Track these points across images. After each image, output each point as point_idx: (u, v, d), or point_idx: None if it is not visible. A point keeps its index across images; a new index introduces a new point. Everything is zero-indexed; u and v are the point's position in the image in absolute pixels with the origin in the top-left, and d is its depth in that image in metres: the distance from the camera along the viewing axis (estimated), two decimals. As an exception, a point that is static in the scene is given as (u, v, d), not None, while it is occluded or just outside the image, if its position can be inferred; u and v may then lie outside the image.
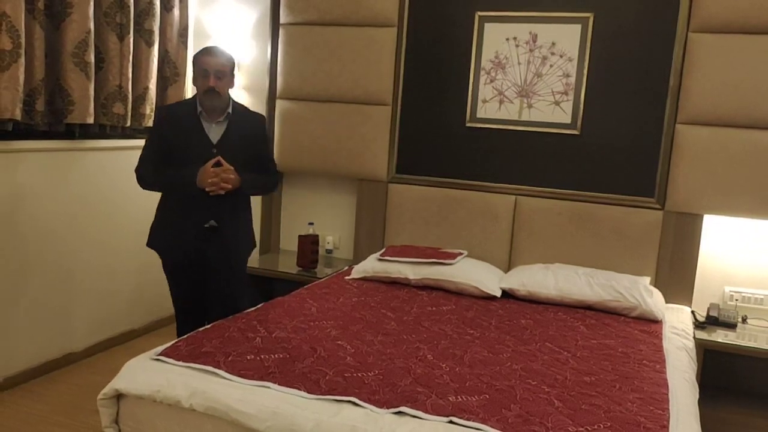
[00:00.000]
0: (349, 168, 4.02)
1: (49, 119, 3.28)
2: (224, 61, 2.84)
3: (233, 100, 2.96)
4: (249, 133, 2.97)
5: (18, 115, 2.98)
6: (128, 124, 3.66)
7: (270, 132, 4.16)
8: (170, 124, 2.87)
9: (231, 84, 2.92)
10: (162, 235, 2.96)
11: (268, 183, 3.15)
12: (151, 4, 3.73)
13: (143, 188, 2.93)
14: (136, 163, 3.78)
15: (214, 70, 2.79)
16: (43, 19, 3.14)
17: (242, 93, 4.28)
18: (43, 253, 3.35)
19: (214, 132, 2.89)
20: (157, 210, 3.00)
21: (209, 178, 2.75)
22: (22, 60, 2.97)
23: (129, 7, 3.55)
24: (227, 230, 2.93)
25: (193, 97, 2.94)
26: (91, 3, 3.31)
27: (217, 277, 2.97)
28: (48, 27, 3.20)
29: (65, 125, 3.36)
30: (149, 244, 3.00)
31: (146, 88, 3.77)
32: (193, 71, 2.87)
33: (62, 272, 3.48)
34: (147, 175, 2.88)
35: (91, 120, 3.37)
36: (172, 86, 4.01)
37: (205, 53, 2.84)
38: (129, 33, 3.57)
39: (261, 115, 3.10)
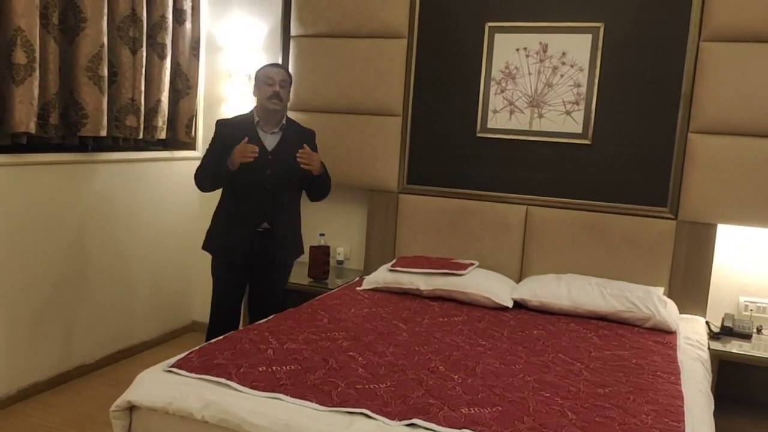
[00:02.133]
0: (360, 179, 4.02)
1: (62, 132, 3.31)
2: (285, 74, 3.19)
3: (287, 116, 3.25)
4: (301, 145, 3.13)
5: (32, 128, 3.02)
6: (141, 136, 3.69)
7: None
8: (231, 135, 3.07)
9: (289, 97, 3.23)
10: (218, 238, 3.19)
11: (329, 183, 3.37)
12: (164, 17, 3.77)
13: (201, 190, 3.22)
14: (148, 175, 3.84)
15: (279, 79, 3.12)
16: (58, 33, 3.17)
17: (253, 104, 4.29)
18: (55, 265, 3.38)
19: (270, 141, 3.15)
20: (213, 216, 3.24)
21: (238, 153, 2.94)
22: (37, 74, 3.01)
23: (142, 21, 3.59)
24: (278, 234, 3.16)
25: (251, 111, 3.21)
26: (105, 17, 3.35)
27: (262, 277, 3.24)
28: (62, 41, 3.23)
29: (78, 138, 3.39)
30: (204, 247, 3.24)
31: (158, 101, 3.80)
32: (256, 83, 3.16)
33: (74, 284, 3.50)
34: (200, 176, 3.15)
35: (104, 133, 3.40)
36: (184, 99, 4.04)
37: (270, 66, 3.20)
38: (142, 46, 3.61)
39: (312, 131, 3.36)
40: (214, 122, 3.26)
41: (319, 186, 3.28)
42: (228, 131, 3.14)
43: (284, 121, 3.21)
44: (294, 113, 4.13)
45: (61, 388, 3.42)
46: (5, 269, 3.11)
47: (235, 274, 3.22)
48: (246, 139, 2.97)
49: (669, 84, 3.44)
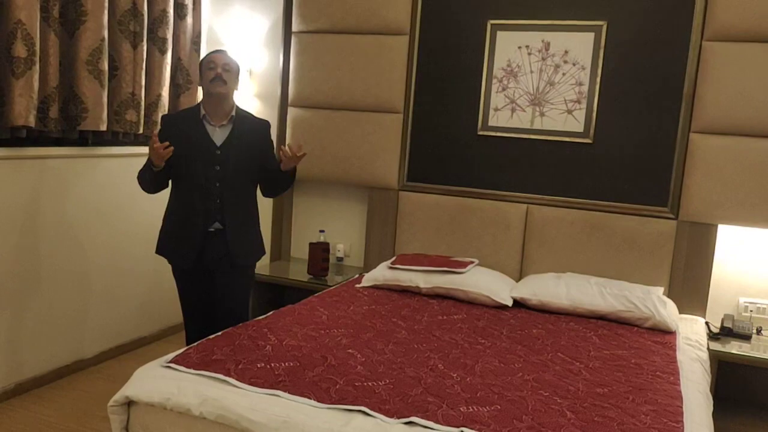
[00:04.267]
0: (360, 176, 4.02)
1: (62, 126, 3.30)
2: (230, 60, 2.92)
3: (237, 106, 2.97)
4: (254, 138, 2.96)
5: (32, 121, 3.01)
6: (141, 131, 3.68)
7: (281, 139, 4.17)
8: (175, 130, 2.86)
9: (236, 84, 2.96)
10: (169, 242, 2.97)
11: (291, 182, 3.08)
12: (165, 12, 3.76)
13: (143, 190, 2.95)
14: None
15: (222, 63, 2.86)
16: (58, 27, 3.16)
17: (254, 100, 4.29)
18: (55, 259, 3.37)
19: (218, 135, 2.89)
20: (164, 217, 3.01)
21: (152, 155, 2.71)
22: (37, 67, 2.99)
23: (143, 15, 3.58)
24: (232, 235, 2.91)
25: (198, 103, 2.97)
26: (106, 11, 3.33)
27: (222, 283, 2.96)
28: (62, 35, 3.22)
29: (78, 132, 3.38)
30: (158, 251, 3.02)
31: (159, 96, 3.79)
32: (200, 72, 2.93)
33: (74, 279, 3.49)
34: (139, 177, 2.92)
35: (104, 127, 3.39)
36: (184, 93, 4.03)
37: (212, 52, 2.94)
38: (142, 41, 3.59)
39: (266, 121, 3.09)
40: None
41: (280, 182, 3.02)
42: (172, 126, 2.88)
43: (234, 113, 2.93)
44: (294, 109, 4.13)
45: (59, 382, 3.41)
46: (5, 263, 3.10)
47: (197, 280, 2.96)
48: (154, 139, 2.69)
49: (671, 83, 3.43)
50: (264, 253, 3.13)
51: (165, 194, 3.02)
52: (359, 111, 3.99)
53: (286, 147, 2.88)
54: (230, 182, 2.89)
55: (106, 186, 3.62)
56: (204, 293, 3.00)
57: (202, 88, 2.93)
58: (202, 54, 4.16)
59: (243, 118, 2.98)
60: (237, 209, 2.93)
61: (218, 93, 2.85)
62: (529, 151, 3.73)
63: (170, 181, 2.99)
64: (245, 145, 2.92)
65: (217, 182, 2.87)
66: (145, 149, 3.83)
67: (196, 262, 2.91)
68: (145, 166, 2.87)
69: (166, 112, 3.86)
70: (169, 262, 3.02)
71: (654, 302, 3.11)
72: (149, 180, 2.88)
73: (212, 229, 2.90)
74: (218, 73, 2.84)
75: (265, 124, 3.07)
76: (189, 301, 3.04)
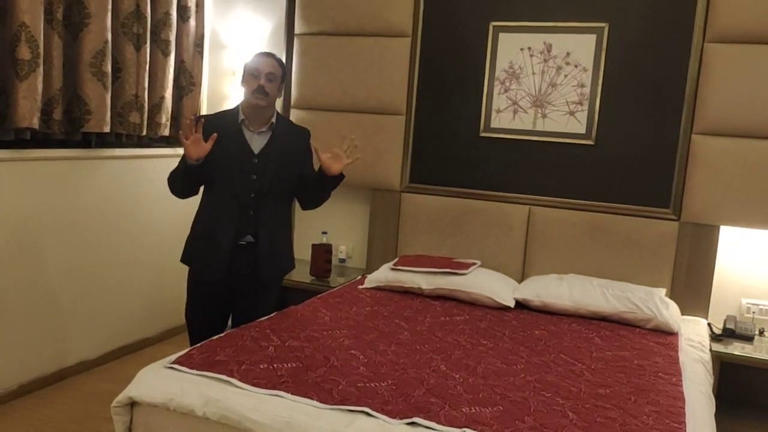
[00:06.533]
0: (362, 177, 4.02)
1: (66, 128, 3.31)
2: (277, 65, 2.77)
3: (278, 112, 2.86)
4: (294, 147, 2.81)
5: (36, 123, 3.02)
6: (144, 133, 3.69)
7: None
8: (210, 134, 2.62)
9: (279, 92, 2.82)
10: (195, 251, 2.81)
11: (331, 191, 2.99)
12: (168, 14, 3.77)
13: (173, 193, 2.80)
14: (151, 172, 3.75)
15: (266, 72, 2.71)
16: (62, 29, 3.18)
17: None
18: (59, 260, 3.38)
19: (257, 142, 2.76)
20: (192, 224, 2.86)
21: (187, 146, 2.58)
22: (41, 69, 3.01)
23: (146, 17, 3.59)
24: (263, 250, 2.76)
25: (236, 106, 2.83)
26: (109, 14, 3.35)
27: (245, 298, 2.84)
28: (66, 37, 3.24)
29: (82, 134, 3.39)
30: (183, 260, 2.86)
31: (162, 98, 3.80)
32: (243, 74, 2.77)
33: (78, 279, 3.50)
34: (170, 177, 2.77)
35: (107, 129, 3.40)
36: (187, 96, 4.04)
37: (259, 55, 2.78)
38: (146, 43, 3.61)
39: (306, 129, 2.96)
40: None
41: (321, 191, 2.90)
42: (212, 129, 2.62)
43: (274, 120, 2.79)
44: (297, 111, 4.14)
45: (62, 384, 3.42)
46: (7, 265, 3.11)
47: (214, 295, 2.81)
48: (185, 132, 2.56)
49: (673, 85, 3.44)
50: (293, 267, 3.00)
51: (166, 196, 2.96)
52: (362, 113, 3.99)
53: (343, 146, 2.73)
54: (266, 193, 2.75)
55: (109, 188, 3.63)
56: (217, 306, 2.85)
57: (244, 94, 2.77)
58: (206, 56, 4.19)
59: (283, 125, 2.86)
60: (271, 222, 2.79)
61: (257, 105, 2.72)
62: (531, 153, 3.73)
63: (202, 188, 2.82)
64: (284, 154, 2.77)
65: (253, 193, 2.73)
66: (148, 151, 3.86)
67: (222, 274, 2.74)
68: (177, 167, 2.74)
69: (168, 114, 3.87)
70: (195, 273, 2.84)
71: (656, 303, 3.12)
72: (181, 181, 2.72)
73: (243, 242, 2.75)
74: (261, 85, 2.68)
75: (305, 132, 2.94)
76: (199, 311, 2.86)
